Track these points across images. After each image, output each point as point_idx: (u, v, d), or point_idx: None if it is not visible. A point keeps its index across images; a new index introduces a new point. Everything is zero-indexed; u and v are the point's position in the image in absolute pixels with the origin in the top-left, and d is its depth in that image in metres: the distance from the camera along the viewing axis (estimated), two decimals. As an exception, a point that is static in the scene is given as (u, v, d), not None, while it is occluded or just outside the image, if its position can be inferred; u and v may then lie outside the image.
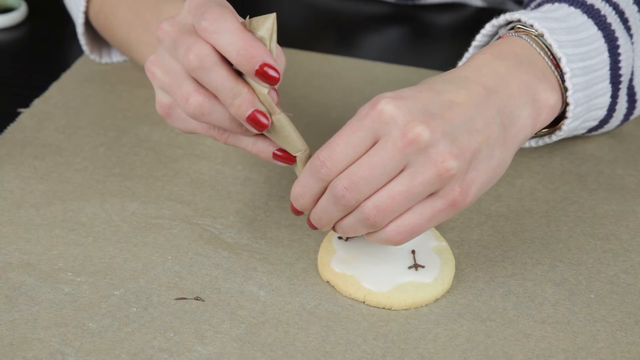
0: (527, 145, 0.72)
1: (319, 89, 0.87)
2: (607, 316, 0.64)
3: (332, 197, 0.59)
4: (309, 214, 0.62)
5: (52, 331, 0.61)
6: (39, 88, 0.85)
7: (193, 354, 0.60)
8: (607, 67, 0.69)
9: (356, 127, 0.59)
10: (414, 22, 1.02)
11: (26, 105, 0.83)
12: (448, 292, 0.65)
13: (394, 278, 0.64)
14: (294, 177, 0.75)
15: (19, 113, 0.82)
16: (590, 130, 0.75)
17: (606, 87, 0.70)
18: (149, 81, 0.86)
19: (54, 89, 0.86)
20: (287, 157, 0.63)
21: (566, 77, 0.66)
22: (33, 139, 0.79)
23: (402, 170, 0.58)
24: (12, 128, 0.80)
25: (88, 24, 0.87)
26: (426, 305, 0.64)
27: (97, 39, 0.90)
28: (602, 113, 0.71)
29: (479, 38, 0.72)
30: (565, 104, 0.67)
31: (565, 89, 0.66)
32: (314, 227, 0.63)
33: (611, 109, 0.72)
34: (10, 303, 0.63)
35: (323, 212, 0.61)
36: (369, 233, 0.61)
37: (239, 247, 0.68)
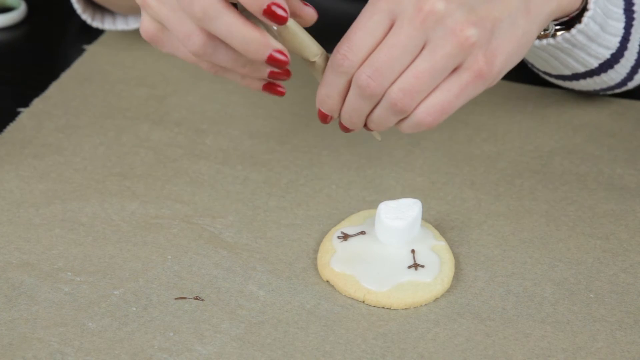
0: (546, 42, 0.71)
1: (319, 88, 0.87)
2: (606, 315, 0.64)
3: (357, 89, 0.58)
4: (339, 118, 0.61)
5: (51, 331, 0.61)
6: (39, 88, 0.85)
7: (193, 354, 0.60)
8: None
9: (371, 12, 0.57)
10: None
11: (26, 105, 0.83)
12: (448, 291, 0.65)
13: (393, 277, 0.64)
14: (293, 177, 0.75)
15: (18, 113, 0.82)
16: (600, 72, 0.74)
17: (620, 15, 0.69)
18: (149, 81, 0.87)
19: (54, 88, 0.85)
20: (279, 74, 0.60)
21: None
22: (33, 138, 0.79)
23: (423, 48, 0.57)
24: (11, 128, 0.80)
25: None
26: (426, 304, 0.64)
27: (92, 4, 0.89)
28: (615, 42, 0.71)
29: None
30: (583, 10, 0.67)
31: None
32: (346, 130, 0.62)
33: (623, 45, 0.71)
34: (10, 303, 0.63)
35: (352, 109, 0.60)
36: (400, 122, 0.60)
37: (238, 247, 0.68)
